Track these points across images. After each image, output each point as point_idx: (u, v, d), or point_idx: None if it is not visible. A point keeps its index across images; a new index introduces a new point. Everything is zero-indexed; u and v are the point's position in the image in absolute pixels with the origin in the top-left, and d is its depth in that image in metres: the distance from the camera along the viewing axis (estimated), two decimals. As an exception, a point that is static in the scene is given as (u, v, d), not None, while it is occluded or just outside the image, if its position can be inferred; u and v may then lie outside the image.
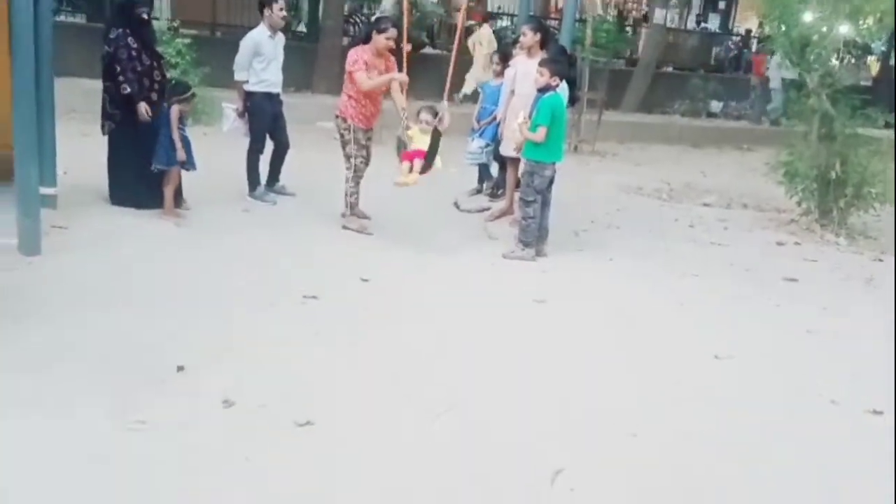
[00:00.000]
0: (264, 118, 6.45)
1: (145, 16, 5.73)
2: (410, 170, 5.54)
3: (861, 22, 7.40)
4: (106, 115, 5.73)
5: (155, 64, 5.72)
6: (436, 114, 5.62)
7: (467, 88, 12.07)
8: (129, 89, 5.54)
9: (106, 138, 5.83)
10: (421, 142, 5.58)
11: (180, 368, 3.43)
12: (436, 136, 5.59)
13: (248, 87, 6.36)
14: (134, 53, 5.56)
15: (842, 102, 7.00)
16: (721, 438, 3.28)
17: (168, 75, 6.32)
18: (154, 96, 5.64)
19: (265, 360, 3.64)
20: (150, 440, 2.90)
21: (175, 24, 10.21)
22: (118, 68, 5.53)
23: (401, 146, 5.71)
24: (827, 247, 6.66)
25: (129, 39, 5.55)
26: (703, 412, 3.51)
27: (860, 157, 6.84)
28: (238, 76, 6.35)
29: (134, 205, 5.73)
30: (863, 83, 14.57)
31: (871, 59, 17.89)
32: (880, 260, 6.35)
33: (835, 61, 7.54)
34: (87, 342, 3.61)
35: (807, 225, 7.12)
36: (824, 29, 7.00)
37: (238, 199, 6.43)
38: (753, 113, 14.48)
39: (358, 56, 5.67)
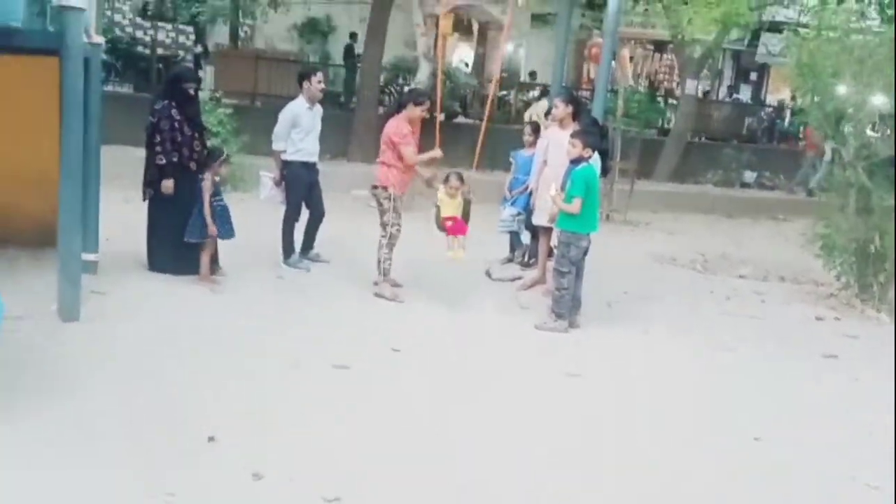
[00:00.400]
0: (301, 187, 6.57)
1: (192, 91, 5.95)
2: (458, 245, 5.82)
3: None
4: (147, 183, 5.89)
5: (196, 135, 5.90)
6: (461, 178, 5.86)
7: None
8: (163, 160, 5.70)
9: (146, 205, 5.98)
10: (448, 206, 5.80)
11: (211, 439, 3.42)
12: (466, 203, 5.87)
13: (285, 157, 6.51)
14: (176, 125, 5.74)
15: (879, 175, 6.93)
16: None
17: (209, 144, 6.51)
18: (193, 166, 5.79)
19: (295, 431, 3.61)
20: (179, 513, 2.87)
21: (217, 95, 10.58)
22: (158, 138, 5.71)
23: (438, 217, 5.86)
24: (867, 322, 6.49)
25: (174, 111, 5.74)
26: (743, 498, 3.39)
27: (899, 231, 6.72)
28: (276, 146, 6.51)
29: (171, 271, 5.82)
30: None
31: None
32: (925, 336, 6.17)
33: (871, 133, 7.51)
34: (119, 412, 3.63)
35: (846, 299, 6.97)
36: (859, 101, 6.99)
37: (272, 266, 6.51)
38: (803, 184, 14.24)
39: (405, 128, 5.85)
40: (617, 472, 3.52)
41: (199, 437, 3.42)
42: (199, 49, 15.24)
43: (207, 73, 13.34)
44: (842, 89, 7.01)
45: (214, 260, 6.00)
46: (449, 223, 5.86)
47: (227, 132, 10.01)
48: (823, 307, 6.86)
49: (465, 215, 5.92)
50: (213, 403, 3.79)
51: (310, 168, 6.62)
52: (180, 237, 5.70)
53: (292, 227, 6.69)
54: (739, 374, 4.97)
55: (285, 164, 6.53)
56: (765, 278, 8.07)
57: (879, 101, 7.15)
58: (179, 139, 5.76)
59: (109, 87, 12.05)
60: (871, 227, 6.79)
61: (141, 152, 5.97)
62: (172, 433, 3.46)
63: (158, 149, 5.70)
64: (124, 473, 3.08)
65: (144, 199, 5.95)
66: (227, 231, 5.86)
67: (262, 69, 13.02)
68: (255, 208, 7.65)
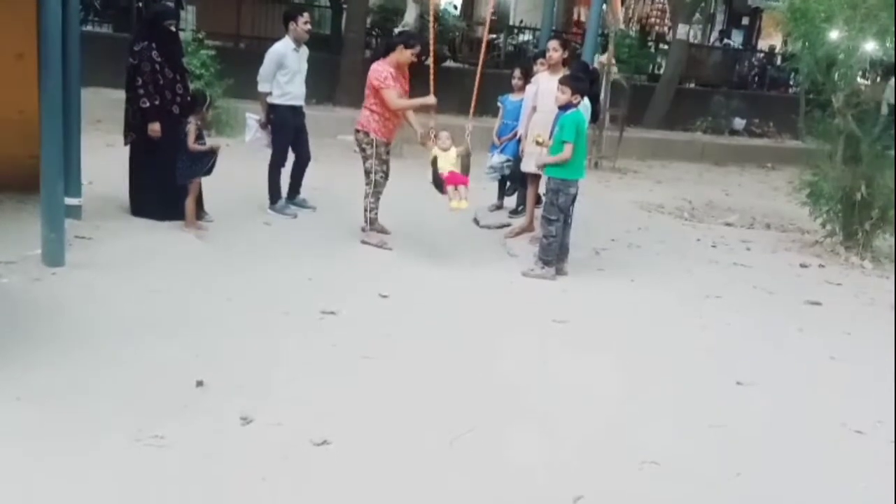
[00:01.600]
0: (287, 131, 6.48)
1: (172, 28, 5.79)
2: (460, 196, 5.54)
3: (888, 41, 7.32)
4: (128, 126, 5.79)
5: (178, 77, 5.76)
6: (450, 137, 5.66)
7: None
8: (147, 103, 5.58)
9: (128, 150, 5.88)
10: (445, 160, 5.61)
11: (199, 383, 3.44)
12: (465, 158, 5.66)
13: (271, 100, 6.39)
14: (157, 67, 5.60)
15: (868, 123, 6.92)
16: (742, 467, 3.22)
17: (191, 87, 6.38)
18: (176, 109, 5.68)
19: (283, 377, 3.64)
20: (169, 457, 2.90)
21: (200, 36, 10.31)
22: (140, 81, 5.58)
23: (435, 173, 5.65)
24: (852, 270, 6.57)
25: (154, 53, 5.60)
26: (725, 440, 3.46)
27: (886, 178, 6.74)
28: (262, 88, 6.39)
29: (155, 216, 5.76)
30: (891, 103, 14.44)
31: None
32: (906, 284, 6.25)
33: (861, 80, 7.46)
34: (106, 358, 3.62)
35: (831, 247, 7.03)
36: (851, 48, 6.92)
37: (259, 212, 6.46)
38: None
39: (385, 72, 5.68)
40: (601, 417, 3.57)
41: (187, 383, 3.43)
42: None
43: (189, 14, 13.00)
44: (834, 35, 6.92)
45: (200, 206, 5.94)
46: (446, 175, 5.72)
47: (211, 75, 9.80)
48: (808, 255, 6.92)
49: (465, 168, 5.77)
50: (202, 351, 3.79)
51: (297, 112, 6.52)
52: (163, 182, 5.62)
53: (279, 172, 6.62)
54: (724, 320, 5.03)
55: (272, 108, 6.42)
56: (751, 226, 8.12)
57: (871, 47, 7.09)
58: (161, 82, 5.63)
59: (89, 27, 11.73)
60: (857, 176, 6.80)
61: (121, 94, 5.85)
62: (161, 379, 3.47)
63: (141, 91, 5.58)
64: (112, 419, 3.09)
65: (126, 144, 5.85)
66: (207, 169, 5.77)
67: (245, 9, 12.68)
68: (241, 153, 7.54)
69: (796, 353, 4.60)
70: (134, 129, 5.74)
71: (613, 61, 10.72)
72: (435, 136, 5.65)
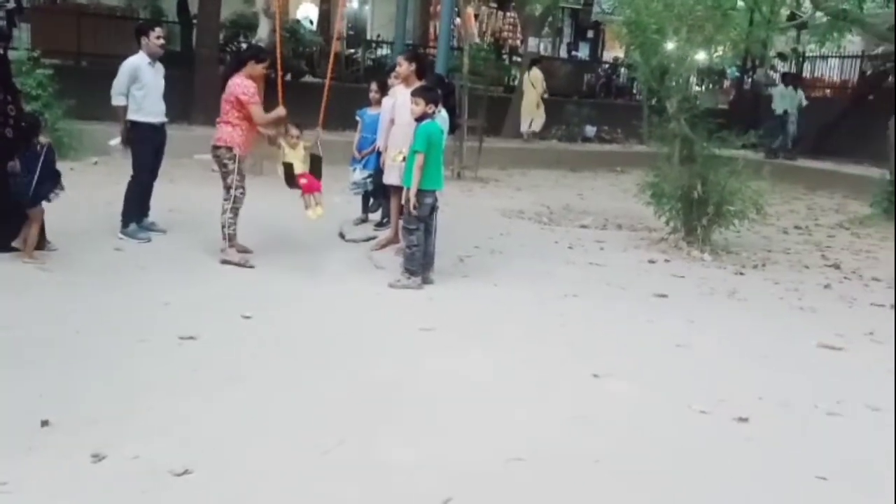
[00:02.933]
0: (149, 150, 6.23)
1: (1, 51, 5.42)
2: (315, 202, 5.77)
3: (714, 50, 7.98)
4: None
5: (9, 98, 5.39)
6: (298, 126, 5.82)
7: (524, 126, 14.41)
8: None
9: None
10: (294, 158, 5.74)
11: (44, 423, 3.21)
12: (316, 160, 5.85)
13: (132, 117, 6.14)
14: None
15: (700, 126, 7.49)
16: (601, 454, 3.39)
17: (26, 109, 5.99)
18: (9, 133, 5.31)
19: (139, 407, 3.46)
20: (12, 502, 2.69)
21: (35, 55, 9.68)
22: None
23: (288, 173, 5.75)
24: (693, 263, 7.07)
25: None
26: (585, 430, 3.62)
27: (719, 176, 7.32)
28: (115, 101, 6.12)
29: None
30: (720, 107, 15.70)
31: (726, 83, 19.28)
32: (741, 273, 6.80)
33: (694, 87, 8.07)
34: (-63, 401, 3.33)
35: (675, 243, 7.54)
36: (680, 57, 7.48)
37: (109, 237, 6.15)
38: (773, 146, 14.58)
39: (251, 87, 5.67)
40: (466, 419, 3.65)
41: (31, 424, 3.20)
42: (11, 4, 13.83)
43: (24, 32, 12.18)
44: (666, 45, 7.46)
45: (42, 235, 5.57)
46: (303, 181, 5.76)
47: (49, 95, 9.23)
48: (655, 251, 7.39)
49: (317, 172, 5.86)
50: (49, 389, 3.55)
51: (157, 130, 6.27)
52: None
53: (140, 192, 6.33)
54: (581, 317, 5.28)
55: (132, 125, 6.15)
56: (604, 227, 8.57)
57: (699, 56, 7.69)
58: None
59: None
60: (693, 175, 7.34)
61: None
62: (2, 422, 3.22)
63: None
64: (-55, 468, 2.84)
65: None
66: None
67: (86, 26, 12.04)
68: (87, 177, 7.15)
69: (646, 342, 4.89)
70: None
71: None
72: (285, 132, 5.78)
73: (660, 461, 3.39)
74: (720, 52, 8.31)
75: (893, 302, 5.53)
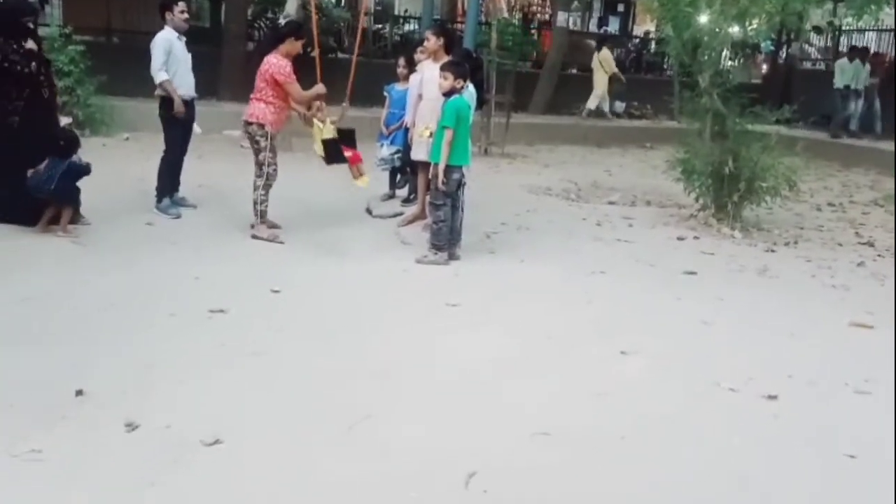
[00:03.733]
0: (179, 125, 6.29)
1: (31, 25, 5.47)
2: (360, 171, 5.95)
3: (748, 23, 7.80)
4: None
5: (42, 70, 5.46)
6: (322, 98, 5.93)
7: (591, 104, 14.57)
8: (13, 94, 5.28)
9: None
10: (328, 132, 5.81)
11: (79, 393, 3.29)
12: (348, 133, 5.91)
13: (161, 93, 6.17)
14: (18, 65, 5.28)
15: (732, 101, 7.35)
16: (627, 432, 3.38)
17: (59, 84, 6.08)
18: (38, 112, 5.38)
19: (170, 379, 3.53)
20: (47, 470, 2.76)
21: (67, 31, 9.77)
22: (29, 69, 5.27)
23: (322, 148, 5.86)
24: (723, 240, 6.97)
25: (11, 50, 5.27)
26: (611, 407, 3.62)
27: (751, 152, 7.19)
28: (159, 78, 6.14)
29: (26, 221, 5.44)
30: (753, 81, 15.40)
31: (760, 57, 18.87)
32: (773, 251, 6.70)
33: (726, 61, 7.91)
34: (-24, 371, 3.42)
35: (704, 220, 7.44)
36: (714, 30, 7.33)
37: (140, 212, 6.23)
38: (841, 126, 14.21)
39: (287, 65, 5.67)
40: (493, 394, 3.67)
41: (66, 393, 3.28)
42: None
43: (55, 8, 12.28)
44: (698, 19, 7.31)
45: (76, 209, 5.66)
46: (348, 153, 5.88)
47: (81, 71, 9.31)
48: (684, 228, 7.30)
49: (353, 143, 5.95)
50: (84, 360, 3.62)
51: (187, 105, 6.31)
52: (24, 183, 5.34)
53: (172, 169, 6.40)
54: (608, 293, 5.25)
55: (162, 101, 6.20)
56: (633, 203, 8.49)
57: (733, 29, 7.53)
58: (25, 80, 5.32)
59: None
60: (725, 151, 7.21)
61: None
62: (36, 390, 3.30)
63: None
64: (-15, 436, 2.93)
65: None
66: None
67: (115, 2, 12.11)
68: (118, 153, 7.23)
69: (675, 320, 4.86)
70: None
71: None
72: (317, 109, 5.86)
73: (687, 439, 3.38)
74: (754, 26, 8.11)
75: (893, 296, 5.44)
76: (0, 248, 5.03)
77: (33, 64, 5.34)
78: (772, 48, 18.36)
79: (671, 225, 7.44)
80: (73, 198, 5.46)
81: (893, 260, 6.63)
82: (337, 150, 5.83)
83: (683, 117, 8.60)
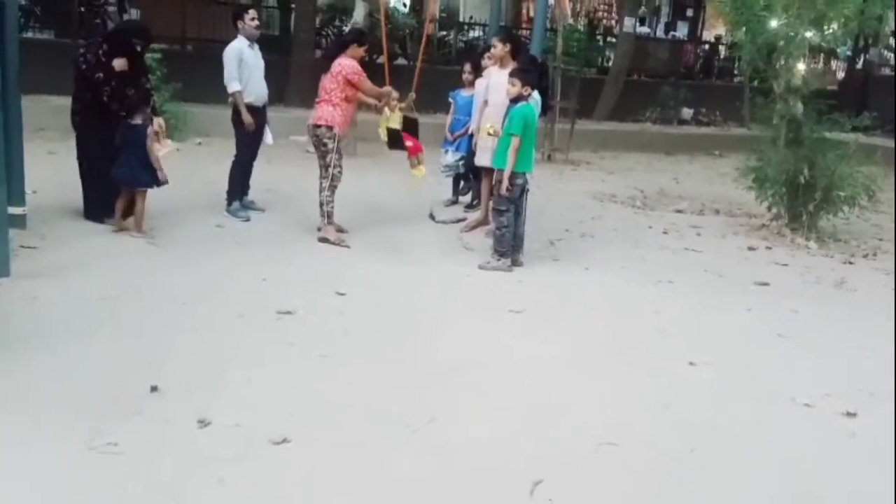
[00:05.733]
0: (250, 131, 6.43)
1: (139, 48, 5.72)
2: (418, 162, 6.22)
3: (826, 27, 7.54)
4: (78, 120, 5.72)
5: (144, 79, 5.72)
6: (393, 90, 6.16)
7: None
8: (108, 91, 5.51)
9: (75, 156, 5.78)
10: (394, 120, 6.13)
11: (154, 389, 3.39)
12: (413, 122, 6.20)
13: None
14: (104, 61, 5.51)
15: (808, 107, 7.11)
16: (696, 445, 3.29)
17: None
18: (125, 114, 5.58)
19: (240, 378, 3.60)
20: (124, 463, 2.85)
21: (145, 39, 10.12)
22: (101, 76, 5.47)
23: (389, 135, 6.17)
24: (798, 251, 6.75)
25: (102, 50, 5.51)
26: (680, 419, 3.53)
27: (828, 161, 6.95)
28: (232, 88, 6.30)
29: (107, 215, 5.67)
30: (829, 87, 14.86)
31: (836, 63, 18.24)
32: (850, 262, 6.45)
33: (801, 66, 7.67)
34: (56, 368, 3.55)
35: (777, 229, 7.21)
36: (790, 34, 7.11)
37: (211, 214, 6.39)
38: None
39: (356, 66, 5.88)
40: (558, 403, 3.62)
41: (141, 389, 3.38)
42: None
43: (133, 17, 12.76)
44: (773, 23, 7.10)
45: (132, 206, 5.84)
46: (409, 143, 6.05)
47: (157, 79, 9.61)
48: (756, 238, 7.10)
49: (415, 133, 6.19)
50: (155, 356, 3.74)
51: (258, 112, 6.46)
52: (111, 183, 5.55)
53: (242, 172, 6.57)
54: (675, 304, 5.13)
55: (236, 106, 6.36)
56: (701, 212, 8.29)
57: (809, 34, 7.29)
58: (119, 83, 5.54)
59: (29, 34, 11.44)
60: (800, 159, 6.99)
61: (64, 101, 5.74)
62: (113, 385, 3.41)
63: (102, 89, 5.49)
64: (65, 427, 3.03)
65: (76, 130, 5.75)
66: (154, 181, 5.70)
67: (190, 11, 12.51)
68: (191, 158, 7.44)
69: (746, 332, 4.72)
70: (83, 130, 5.64)
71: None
72: (388, 100, 6.14)
73: (760, 455, 3.27)
74: (831, 30, 7.84)
75: (893, 302, 5.17)
76: (78, 248, 5.22)
77: (99, 75, 5.52)
78: (848, 53, 17.73)
79: (742, 234, 7.24)
80: (145, 180, 5.62)
81: (894, 260, 6.36)
82: (399, 138, 6.15)
83: (755, 124, 8.38)
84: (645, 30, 18.26)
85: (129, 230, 5.63)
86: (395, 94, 6.18)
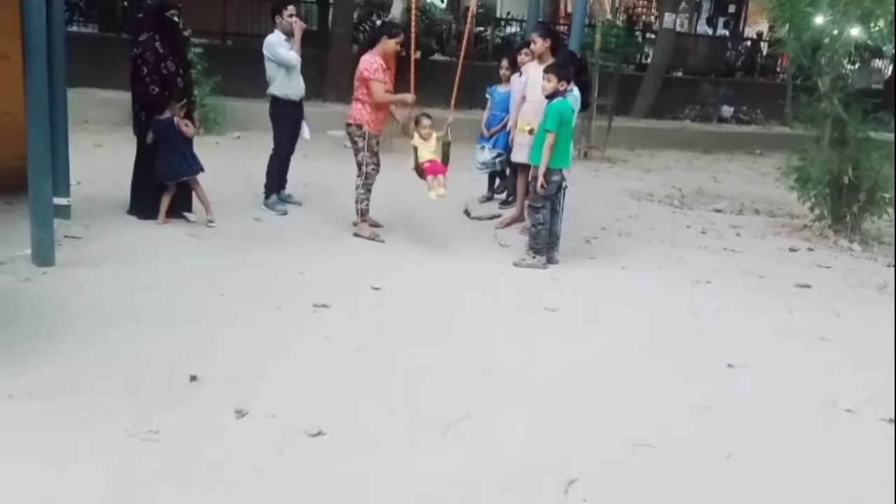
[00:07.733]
0: (288, 125, 6.48)
1: (175, 18, 5.76)
2: (438, 184, 5.61)
3: (872, 25, 7.36)
4: (136, 119, 5.78)
5: (180, 71, 5.76)
6: (429, 117, 5.73)
7: None
8: (156, 90, 5.58)
9: (119, 149, 5.89)
10: (425, 149, 5.69)
11: (193, 378, 3.44)
12: (446, 146, 5.75)
13: (272, 92, 6.39)
14: (160, 58, 5.58)
15: (854, 106, 6.96)
16: (734, 448, 3.25)
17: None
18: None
19: (277, 369, 3.65)
20: (164, 450, 2.91)
21: (187, 33, 10.26)
22: (145, 70, 5.56)
23: (416, 161, 5.73)
24: (840, 253, 6.61)
25: (157, 44, 5.58)
26: (717, 421, 3.49)
27: (873, 161, 6.79)
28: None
29: (153, 214, 5.77)
30: (875, 86, 14.53)
31: (883, 62, 17.78)
32: (894, 266, 6.29)
33: (847, 64, 7.50)
34: (99, 356, 3.63)
35: (820, 231, 7.07)
36: (835, 32, 6.95)
37: (249, 208, 6.46)
38: None
39: (375, 63, 5.70)
40: (594, 402, 3.60)
41: (181, 378, 3.44)
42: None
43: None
44: (818, 20, 6.95)
45: (184, 205, 5.93)
46: (426, 165, 5.72)
47: (199, 73, 9.75)
48: (797, 239, 6.96)
49: (445, 157, 5.79)
50: (195, 346, 3.80)
51: (296, 106, 6.51)
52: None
53: (279, 166, 6.63)
54: (714, 304, 5.06)
55: (273, 101, 6.41)
56: (740, 212, 8.16)
57: (855, 31, 7.12)
58: (164, 73, 5.61)
59: (74, 28, 11.65)
60: (844, 159, 6.84)
61: (109, 94, 5.84)
62: (154, 374, 3.48)
63: (148, 80, 5.57)
64: (107, 414, 3.10)
65: (135, 133, 5.84)
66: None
67: (231, 6, 12.64)
68: (229, 152, 7.52)
69: (786, 334, 4.63)
70: (138, 123, 5.74)
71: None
72: (416, 124, 5.73)
73: (798, 460, 3.21)
74: (878, 27, 7.65)
75: (894, 302, 5.01)
76: (121, 239, 5.33)
77: (169, 62, 5.60)
78: (894, 51, 17.26)
79: (783, 235, 7.11)
80: (187, 169, 5.72)
81: (894, 260, 6.22)
82: (420, 168, 5.69)
83: (798, 123, 8.21)
84: (685, 26, 18.00)
85: (193, 221, 5.80)
86: (408, 101, 5.75)
